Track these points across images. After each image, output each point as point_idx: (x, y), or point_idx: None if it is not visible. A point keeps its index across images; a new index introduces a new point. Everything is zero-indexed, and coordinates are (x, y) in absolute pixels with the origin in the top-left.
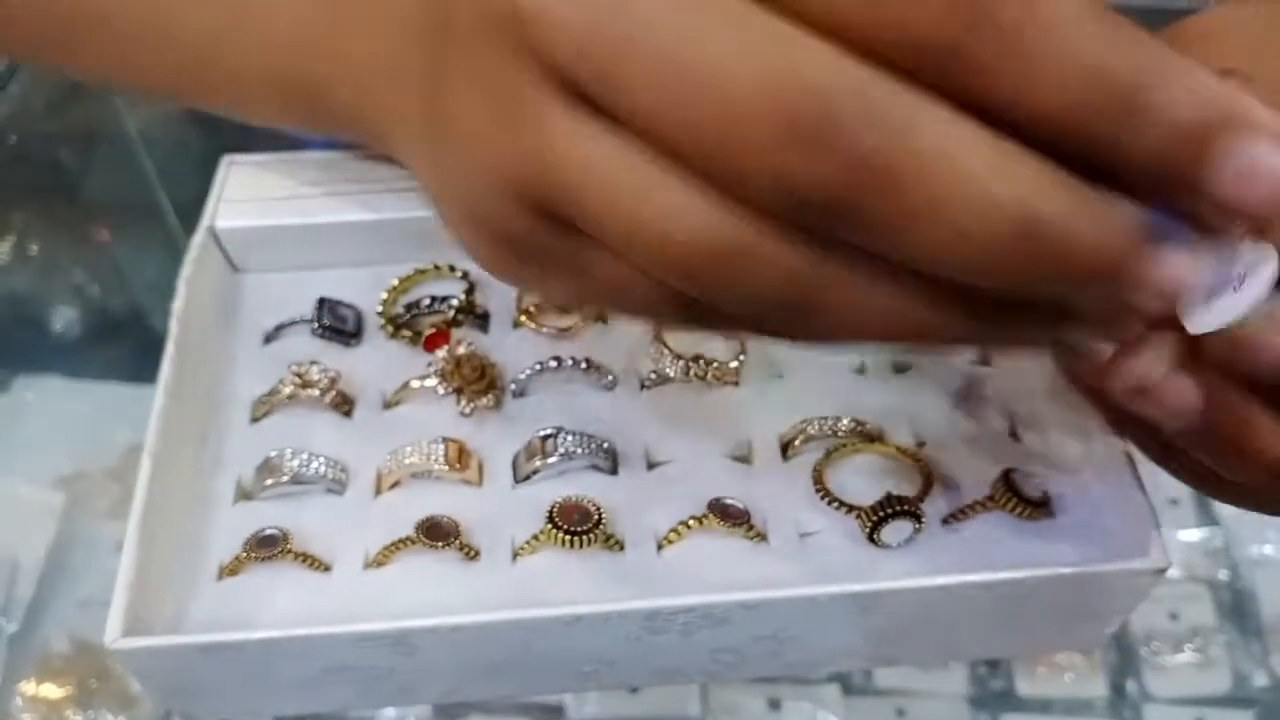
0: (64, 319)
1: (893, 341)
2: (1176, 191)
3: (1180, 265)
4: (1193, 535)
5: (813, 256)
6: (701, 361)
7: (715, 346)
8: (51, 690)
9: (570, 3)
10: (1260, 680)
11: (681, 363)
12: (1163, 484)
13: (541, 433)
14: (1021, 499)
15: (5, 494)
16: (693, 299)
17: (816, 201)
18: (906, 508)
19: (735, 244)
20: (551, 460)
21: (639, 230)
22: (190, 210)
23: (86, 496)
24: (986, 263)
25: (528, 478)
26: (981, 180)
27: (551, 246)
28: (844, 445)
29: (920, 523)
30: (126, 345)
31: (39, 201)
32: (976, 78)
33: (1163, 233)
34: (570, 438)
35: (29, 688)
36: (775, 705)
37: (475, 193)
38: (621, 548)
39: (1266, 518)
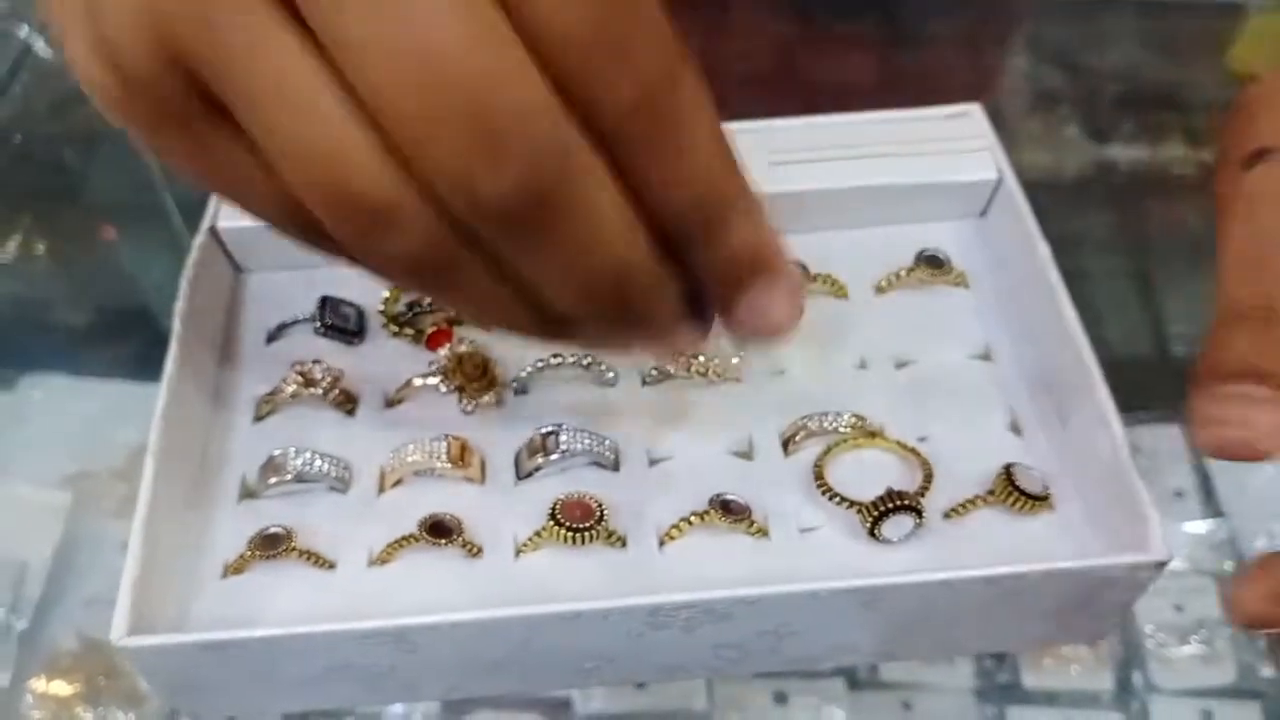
0: (69, 318)
1: (505, 330)
2: (719, 295)
3: (686, 337)
4: (1198, 527)
5: (452, 241)
6: (703, 359)
7: (717, 344)
8: (61, 687)
9: None
10: (1266, 672)
11: (683, 360)
12: (1167, 475)
13: (543, 430)
14: (1022, 493)
15: (11, 493)
16: (313, 223)
17: (483, 202)
18: (907, 503)
19: (389, 201)
20: (553, 457)
21: (298, 143)
22: (194, 209)
23: (93, 496)
24: (583, 295)
25: (529, 475)
26: (604, 237)
27: (187, 111)
28: (844, 441)
29: (921, 517)
30: (132, 344)
31: (44, 202)
32: (633, 148)
33: (700, 308)
34: (571, 434)
35: (39, 685)
36: (781, 699)
37: (112, 12)
38: (623, 544)
39: (1271, 508)
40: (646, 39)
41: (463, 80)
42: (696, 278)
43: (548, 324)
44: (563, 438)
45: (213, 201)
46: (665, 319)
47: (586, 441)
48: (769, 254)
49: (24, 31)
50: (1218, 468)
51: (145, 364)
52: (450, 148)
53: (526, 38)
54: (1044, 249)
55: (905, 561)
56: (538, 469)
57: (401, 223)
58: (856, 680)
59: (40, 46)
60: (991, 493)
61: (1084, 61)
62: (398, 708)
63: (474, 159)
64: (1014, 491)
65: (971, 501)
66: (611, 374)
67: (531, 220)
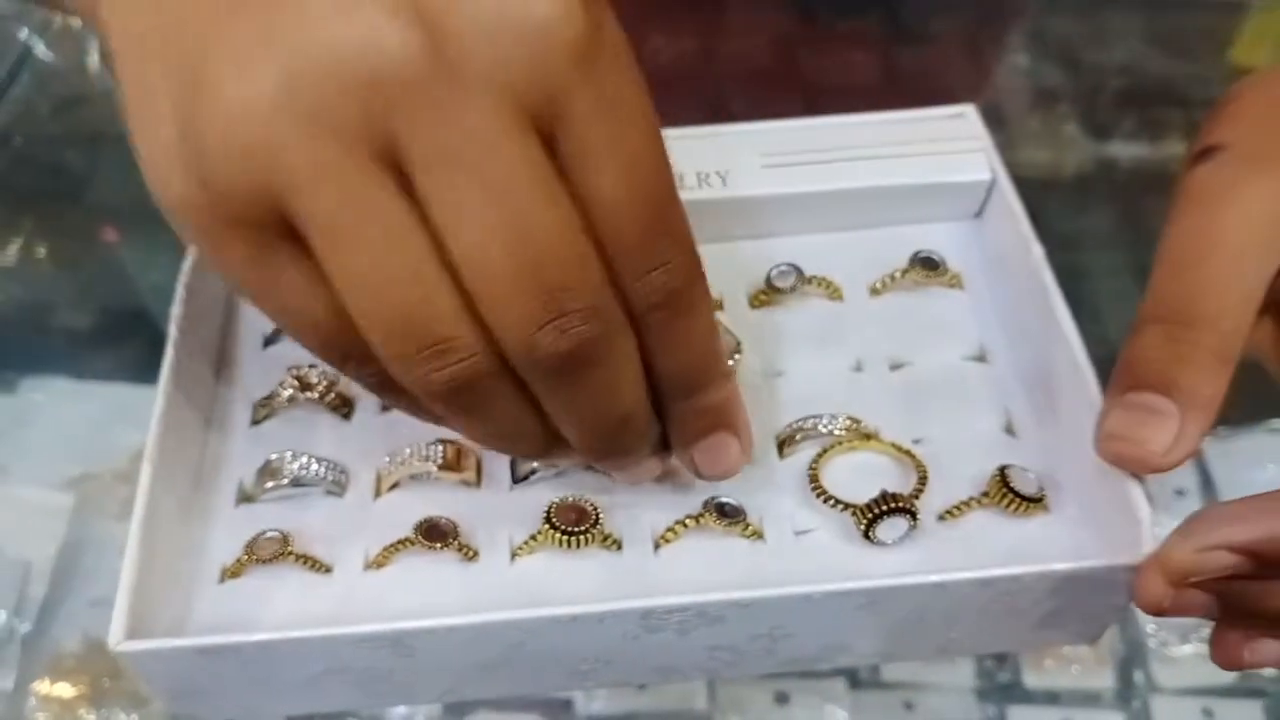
0: (71, 321)
1: (507, 451)
2: (685, 440)
3: (653, 466)
4: None
5: (492, 376)
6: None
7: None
8: (65, 689)
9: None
10: (1269, 671)
11: None
12: (1168, 475)
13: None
14: (1017, 495)
15: (15, 496)
16: (358, 347)
17: (542, 357)
18: (901, 505)
19: (451, 334)
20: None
21: (378, 271)
22: None
23: (96, 498)
24: (593, 432)
25: (525, 478)
26: (625, 392)
27: (261, 231)
28: (840, 443)
29: (915, 520)
30: (133, 346)
31: (45, 205)
32: (655, 325)
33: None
34: None
35: (43, 687)
36: (783, 700)
37: (217, 144)
38: (619, 547)
39: None
40: (682, 237)
41: (548, 258)
42: (663, 421)
43: (545, 446)
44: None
45: None
46: (644, 453)
47: None
48: (731, 414)
49: (24, 34)
50: (1219, 467)
51: (147, 366)
52: (525, 309)
53: (590, 226)
54: (1038, 250)
55: (900, 564)
56: (533, 472)
57: (454, 355)
58: (858, 680)
59: (41, 50)
60: (986, 494)
61: (1085, 58)
62: (400, 709)
63: (544, 321)
64: (1009, 493)
65: (966, 503)
66: None
67: (573, 373)
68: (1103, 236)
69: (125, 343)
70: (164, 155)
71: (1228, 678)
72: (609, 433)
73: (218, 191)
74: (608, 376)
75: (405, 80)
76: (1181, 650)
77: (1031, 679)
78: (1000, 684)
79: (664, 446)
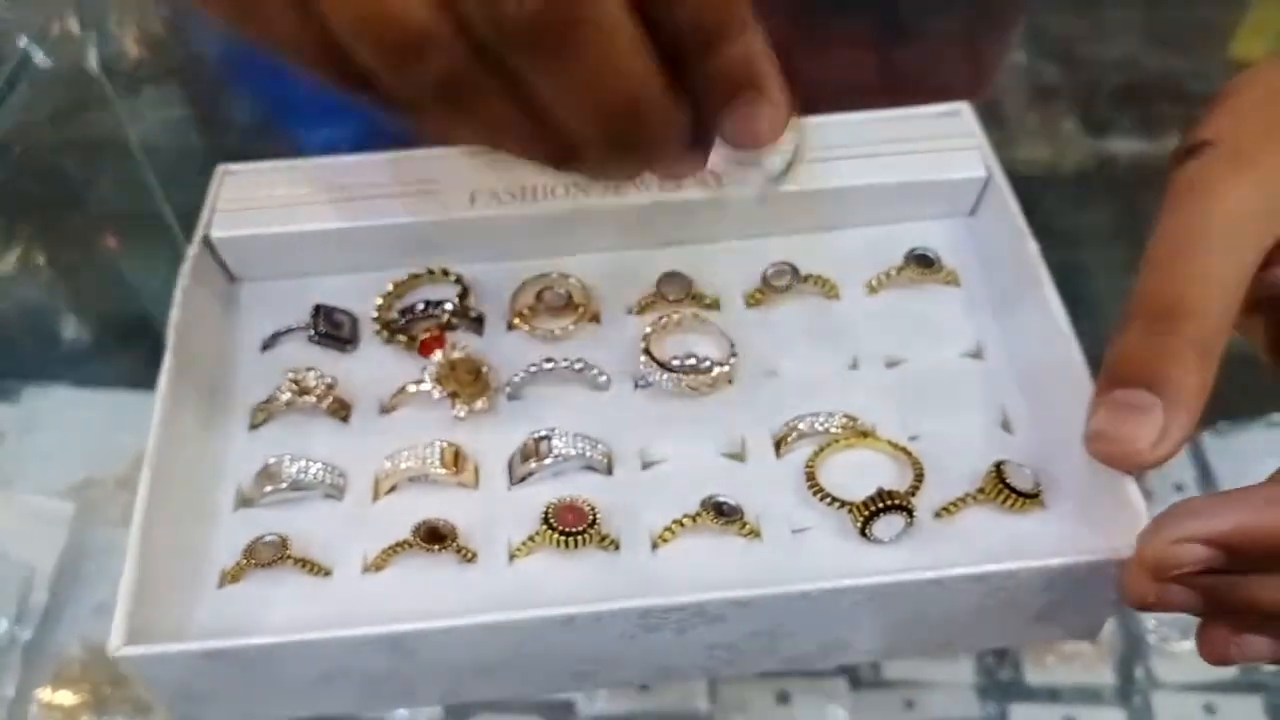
0: (71, 328)
1: (518, 156)
2: (713, 108)
3: (688, 162)
4: None
5: (477, 65)
6: (693, 375)
7: (706, 349)
8: (67, 697)
9: None
10: (1268, 666)
11: (672, 376)
12: (1167, 469)
13: (536, 435)
14: (1013, 491)
15: (17, 503)
16: (346, 60)
17: (509, 21)
18: (898, 502)
19: (424, 28)
20: (546, 462)
21: None
22: (192, 216)
23: (98, 504)
24: (598, 114)
25: (523, 480)
26: (621, 60)
27: None
28: (836, 441)
29: (911, 517)
30: (134, 353)
31: (44, 212)
32: None
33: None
34: (564, 439)
35: (45, 694)
36: (784, 699)
37: None
38: (617, 547)
39: None
40: None
41: None
42: (697, 105)
43: (559, 149)
44: (555, 442)
45: (206, 211)
46: (671, 142)
47: (579, 446)
48: (760, 71)
49: (23, 41)
50: (1219, 462)
51: (147, 372)
52: None
53: None
54: (1033, 247)
55: (897, 561)
56: (530, 474)
57: (434, 49)
58: (859, 679)
59: (40, 58)
60: (982, 490)
61: (1083, 54)
62: (401, 711)
63: None
64: (1005, 489)
65: (962, 500)
66: (604, 378)
67: (552, 38)
68: (1102, 233)
69: (126, 349)
70: None
71: (1229, 673)
72: (620, 113)
73: None
74: (595, 37)
75: None
76: (1182, 646)
77: (1033, 676)
78: (1001, 681)
79: (699, 144)
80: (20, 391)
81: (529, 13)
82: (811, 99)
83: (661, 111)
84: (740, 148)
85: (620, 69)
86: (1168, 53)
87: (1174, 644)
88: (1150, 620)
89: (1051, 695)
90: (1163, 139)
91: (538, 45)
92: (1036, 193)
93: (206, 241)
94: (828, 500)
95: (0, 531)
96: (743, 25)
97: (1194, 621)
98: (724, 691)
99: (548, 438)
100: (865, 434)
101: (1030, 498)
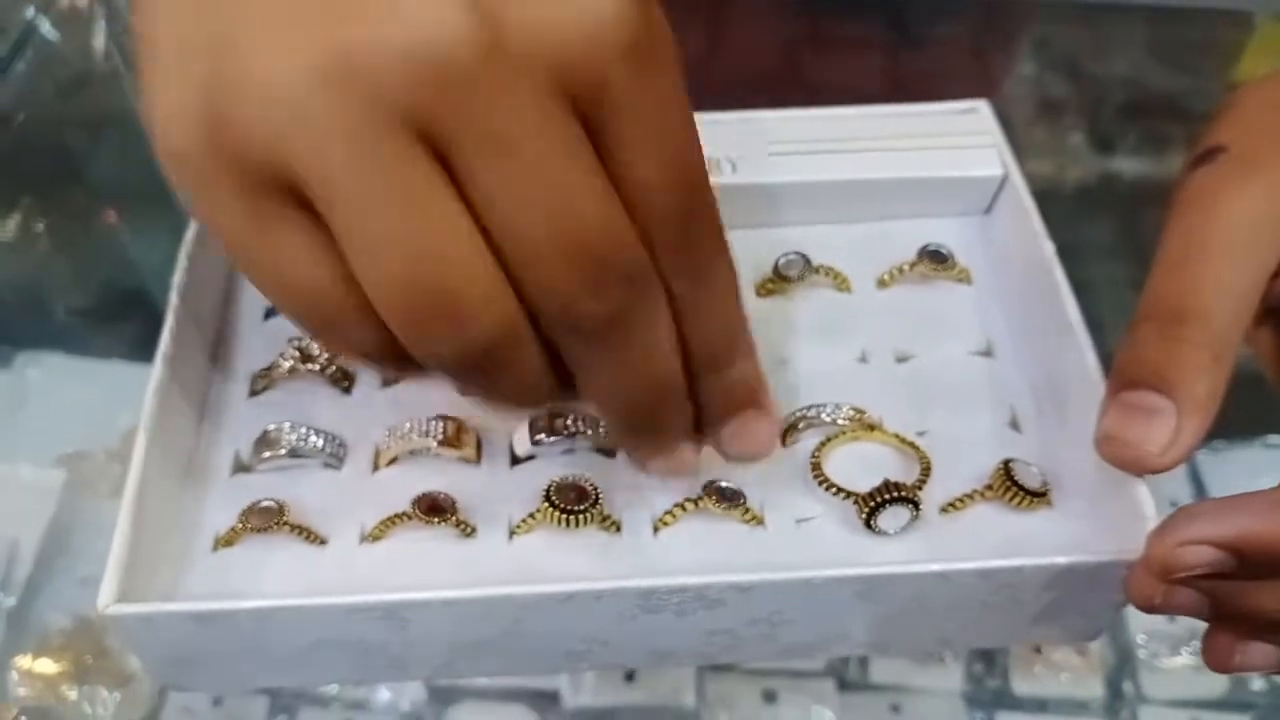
0: (68, 300)
1: (523, 408)
2: (714, 418)
3: (687, 453)
4: None
5: (527, 343)
6: None
7: None
8: (47, 665)
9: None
10: (1258, 684)
11: None
12: (1162, 485)
13: (549, 410)
14: (1020, 489)
15: (5, 472)
16: (359, 329)
17: (581, 318)
18: (904, 494)
19: (480, 305)
20: (555, 439)
21: (400, 240)
22: None
23: (87, 476)
24: (626, 398)
25: (529, 456)
26: (660, 354)
27: (266, 194)
28: (843, 433)
29: (917, 510)
30: (131, 327)
31: (45, 183)
32: (686, 294)
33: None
34: (578, 419)
35: (25, 662)
36: (771, 697)
37: (250, 101)
38: (618, 529)
39: None
40: (713, 218)
41: (590, 225)
42: (697, 405)
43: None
44: (571, 420)
45: None
46: (679, 433)
47: (592, 426)
48: (759, 390)
49: (29, 13)
50: (1214, 480)
51: (144, 346)
52: (566, 275)
53: (625, 197)
54: (1049, 247)
55: (901, 554)
56: (538, 445)
57: (478, 319)
58: (846, 681)
59: (46, 29)
60: (990, 487)
61: (1090, 69)
62: (384, 696)
63: (585, 286)
64: (1012, 487)
65: (969, 496)
66: None
67: (611, 335)
68: (1103, 249)
69: (122, 322)
70: (178, 96)
71: (1217, 690)
72: (646, 401)
73: (231, 140)
74: (645, 339)
75: (458, 63)
76: (1172, 661)
77: (1021, 686)
78: (989, 689)
79: (697, 433)
80: (13, 358)
81: (602, 313)
82: (818, 103)
83: (677, 403)
84: (735, 458)
85: (658, 362)
86: (1172, 72)
87: (1164, 659)
88: (1140, 635)
89: (1039, 706)
90: (1166, 158)
91: (597, 337)
92: (1039, 206)
93: None
94: (833, 490)
95: None
96: (747, 352)
97: (1185, 637)
98: (710, 687)
99: (563, 415)
100: (873, 426)
101: (1038, 496)
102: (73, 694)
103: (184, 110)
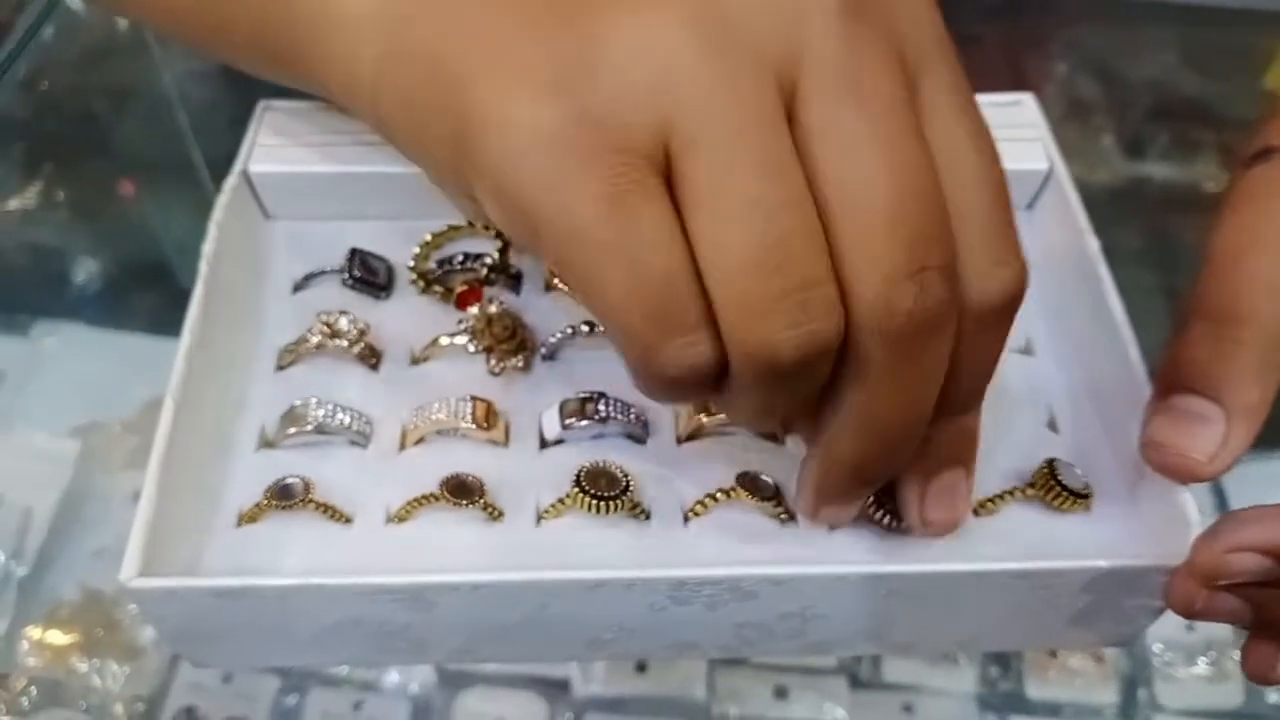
0: (88, 270)
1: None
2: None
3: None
4: None
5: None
6: None
7: None
8: (58, 637)
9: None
10: (1274, 697)
11: None
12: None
13: (581, 394)
14: (1064, 489)
15: (19, 440)
16: (715, 346)
17: (897, 316)
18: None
19: (819, 279)
20: (587, 423)
21: (751, 233)
22: (222, 167)
23: (102, 447)
24: (881, 429)
25: (559, 440)
26: (932, 387)
27: (647, 183)
28: None
29: None
30: (150, 298)
31: (69, 151)
32: (978, 332)
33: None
34: (611, 404)
35: (36, 633)
36: (782, 694)
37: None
38: (647, 517)
39: None
40: (1018, 242)
41: (920, 205)
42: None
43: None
44: (602, 405)
45: (246, 145)
46: (878, 484)
47: (624, 411)
48: (974, 447)
49: None
50: (1235, 492)
51: (162, 318)
52: (892, 255)
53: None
54: (1094, 243)
55: (934, 552)
56: (568, 429)
57: (816, 306)
58: (858, 679)
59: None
60: (1032, 485)
61: (1121, 72)
62: (394, 679)
63: (906, 272)
64: (1055, 486)
65: (1009, 493)
66: None
67: (908, 347)
68: (1131, 253)
69: (142, 294)
70: (533, 81)
71: (1232, 702)
72: (898, 437)
73: (601, 108)
74: (934, 360)
75: (823, 7)
76: (1188, 671)
77: (1034, 689)
78: (1002, 692)
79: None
80: (30, 327)
81: (915, 310)
82: None
83: (914, 445)
84: (926, 525)
85: (928, 395)
86: (1203, 76)
87: (1179, 669)
88: (1157, 644)
89: (1052, 710)
90: (1196, 163)
91: (895, 345)
92: None
93: (245, 175)
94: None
95: (1, 469)
96: (979, 404)
97: (1201, 647)
98: (721, 681)
99: (595, 399)
100: None
101: (1080, 498)
102: (82, 666)
103: (540, 85)
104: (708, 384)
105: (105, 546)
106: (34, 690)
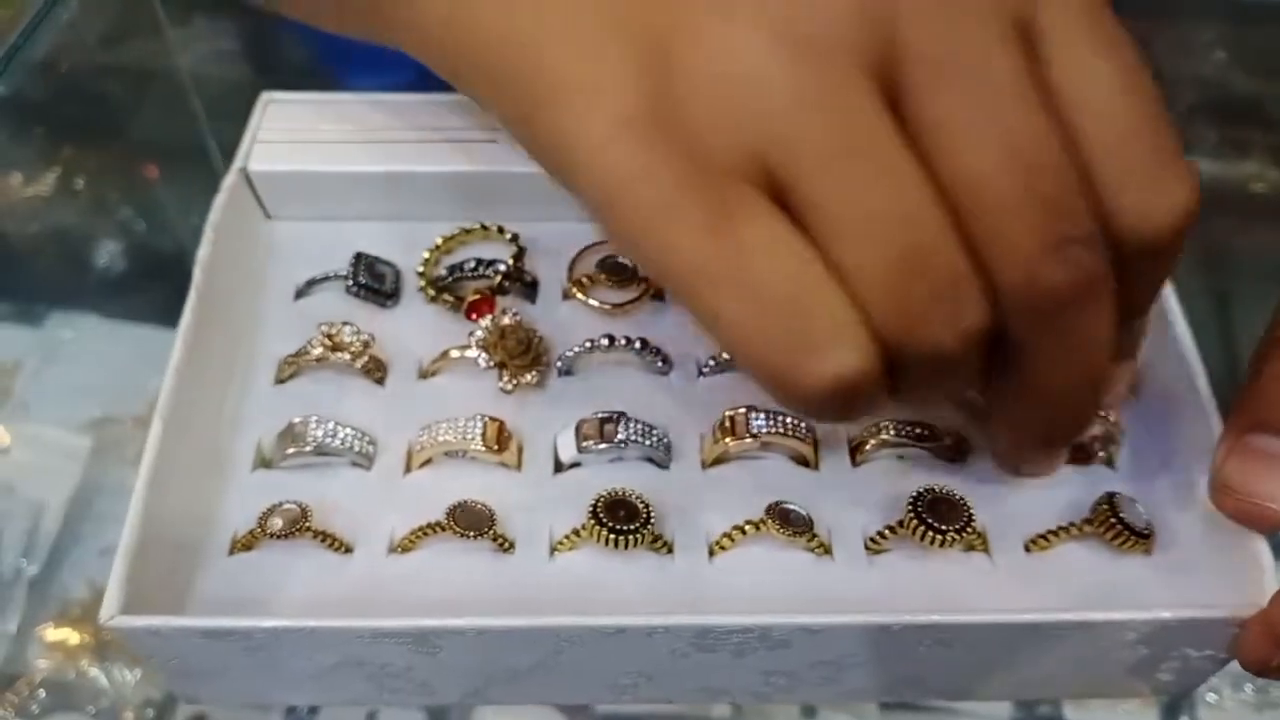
0: (105, 256)
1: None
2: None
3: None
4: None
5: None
6: None
7: None
8: (69, 637)
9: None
10: None
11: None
12: None
13: (600, 414)
14: (1125, 528)
15: (31, 434)
16: (871, 350)
17: (1040, 288)
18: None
19: (957, 274)
20: (606, 446)
21: (883, 213)
22: (237, 153)
23: (115, 442)
24: (1055, 409)
25: (575, 463)
26: (1104, 350)
27: (749, 203)
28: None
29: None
30: (167, 289)
31: (86, 135)
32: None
33: None
34: (633, 425)
35: (46, 633)
36: (810, 713)
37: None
38: (670, 550)
39: None
40: (1182, 165)
41: (1048, 176)
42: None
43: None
44: (623, 427)
45: (246, 141)
46: (1086, 425)
47: (645, 433)
48: (1144, 335)
49: None
50: None
51: (177, 311)
52: (1027, 233)
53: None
54: None
55: (982, 594)
56: (584, 452)
57: (967, 300)
58: (890, 701)
59: None
60: (1089, 522)
61: (1169, 70)
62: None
63: (1046, 247)
64: (1116, 524)
65: (1059, 531)
66: (665, 361)
67: (1065, 316)
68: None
69: (158, 283)
70: (617, 127)
71: None
72: (1082, 401)
73: (691, 134)
74: (1095, 325)
75: None
76: (1233, 698)
77: (1073, 715)
78: (1040, 716)
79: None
80: (46, 317)
81: (1063, 282)
82: None
83: (1093, 412)
84: (1028, 461)
85: (1101, 355)
86: (1252, 75)
87: (1225, 696)
88: None
89: None
90: (1243, 164)
91: (1049, 318)
92: None
93: (244, 174)
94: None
95: (12, 462)
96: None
97: (1246, 676)
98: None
99: (615, 420)
100: (952, 448)
101: (1141, 539)
102: (94, 670)
103: (625, 130)
104: (861, 393)
105: (114, 545)
106: (43, 693)
